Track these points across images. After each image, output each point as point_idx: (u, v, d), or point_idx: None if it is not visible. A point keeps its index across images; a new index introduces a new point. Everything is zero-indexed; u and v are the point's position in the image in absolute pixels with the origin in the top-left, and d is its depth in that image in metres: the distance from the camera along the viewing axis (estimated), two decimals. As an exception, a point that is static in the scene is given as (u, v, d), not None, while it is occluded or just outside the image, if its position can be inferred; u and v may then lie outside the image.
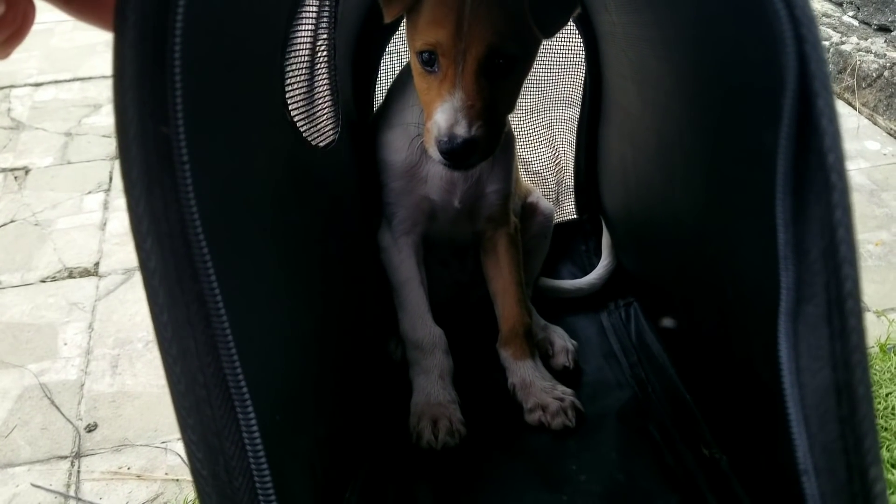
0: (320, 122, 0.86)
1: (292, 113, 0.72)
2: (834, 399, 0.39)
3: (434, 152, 0.87)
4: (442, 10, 0.85)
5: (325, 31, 0.90)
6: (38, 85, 2.94)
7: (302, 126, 0.76)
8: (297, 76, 0.77)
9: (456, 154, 0.85)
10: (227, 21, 0.45)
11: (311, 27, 0.83)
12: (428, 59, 0.88)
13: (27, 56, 3.11)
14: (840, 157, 0.37)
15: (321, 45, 0.89)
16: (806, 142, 0.38)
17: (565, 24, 0.92)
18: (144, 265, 0.34)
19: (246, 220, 0.47)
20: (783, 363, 0.40)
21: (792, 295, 0.39)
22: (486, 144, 0.86)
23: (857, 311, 0.37)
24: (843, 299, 0.37)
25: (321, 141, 0.85)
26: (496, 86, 0.87)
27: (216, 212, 0.38)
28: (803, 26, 0.37)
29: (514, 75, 0.89)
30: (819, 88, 0.37)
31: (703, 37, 0.61)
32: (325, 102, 0.90)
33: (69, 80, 2.96)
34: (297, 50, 0.77)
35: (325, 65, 0.91)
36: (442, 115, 0.85)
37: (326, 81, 0.91)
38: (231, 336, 0.36)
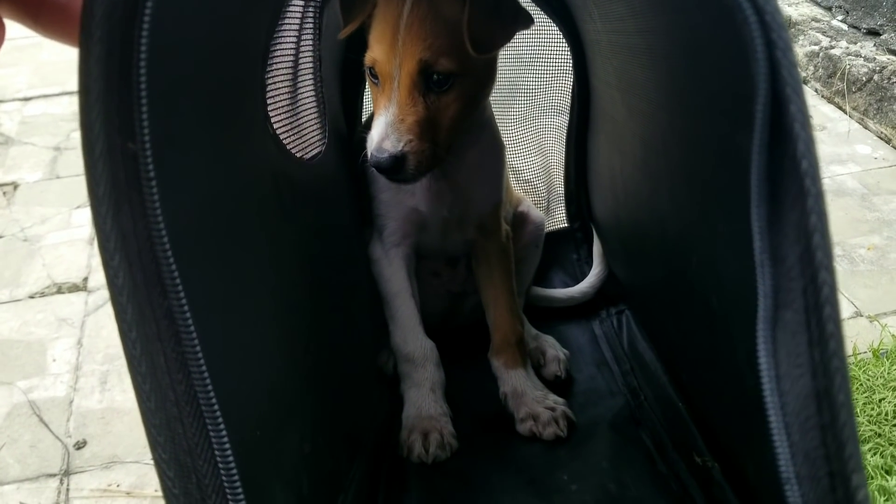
0: (306, 134, 0.86)
1: (275, 126, 0.72)
2: (815, 406, 0.38)
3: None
4: (381, 27, 0.87)
5: (309, 42, 0.90)
6: (26, 99, 2.93)
7: (286, 139, 0.76)
8: (279, 89, 0.76)
9: (383, 168, 0.86)
10: (201, 35, 0.44)
11: (294, 39, 0.83)
12: (372, 73, 0.90)
13: (16, 71, 3.09)
14: (813, 163, 0.37)
15: (305, 57, 0.89)
16: (780, 148, 0.38)
17: (506, 42, 0.91)
18: (112, 282, 0.33)
19: (222, 235, 0.47)
20: (763, 370, 0.40)
21: (770, 301, 0.38)
22: (420, 159, 0.86)
23: (835, 317, 0.37)
24: (821, 305, 0.37)
25: (307, 153, 0.85)
26: (435, 101, 0.87)
27: (188, 227, 0.38)
28: (773, 31, 0.37)
29: (456, 90, 0.89)
30: (791, 94, 0.37)
31: (683, 45, 0.61)
32: (310, 114, 0.89)
33: (58, 95, 2.95)
34: (280, 62, 0.77)
35: (310, 76, 0.91)
36: (375, 130, 0.87)
37: (312, 93, 0.91)
38: (201, 353, 0.36)
